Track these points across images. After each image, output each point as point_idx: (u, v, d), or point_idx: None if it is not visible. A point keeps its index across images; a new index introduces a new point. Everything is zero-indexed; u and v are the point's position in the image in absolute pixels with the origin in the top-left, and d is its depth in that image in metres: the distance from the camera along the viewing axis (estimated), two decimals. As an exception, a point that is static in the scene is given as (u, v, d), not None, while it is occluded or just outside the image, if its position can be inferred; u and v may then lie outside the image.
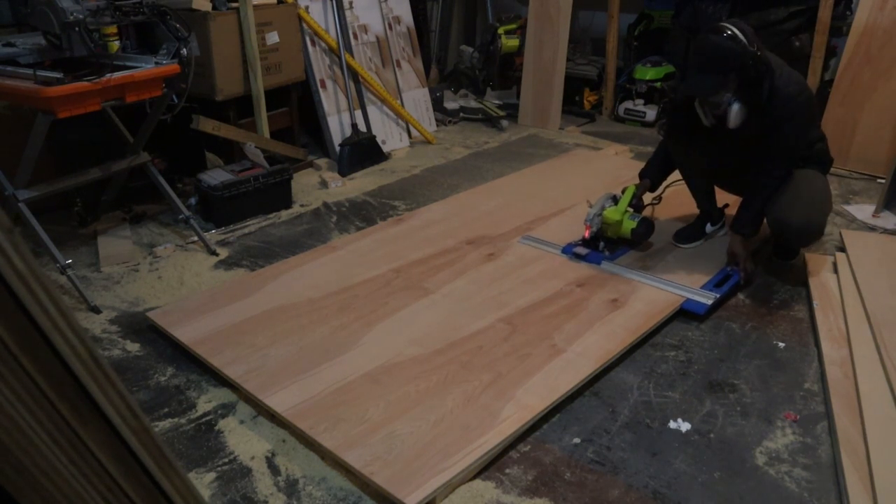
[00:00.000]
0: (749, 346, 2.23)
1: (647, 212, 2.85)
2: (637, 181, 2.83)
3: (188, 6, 3.21)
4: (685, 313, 2.37)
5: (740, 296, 2.53)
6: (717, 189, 2.84)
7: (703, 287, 2.46)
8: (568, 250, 2.73)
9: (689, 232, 2.83)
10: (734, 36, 2.21)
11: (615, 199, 2.74)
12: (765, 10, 3.89)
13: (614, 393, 2.01)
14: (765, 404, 1.95)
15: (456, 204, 3.34)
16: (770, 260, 2.73)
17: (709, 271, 2.58)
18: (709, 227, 2.84)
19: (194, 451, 1.81)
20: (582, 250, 2.69)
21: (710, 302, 2.35)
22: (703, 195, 2.84)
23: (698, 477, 1.69)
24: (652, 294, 2.43)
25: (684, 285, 2.46)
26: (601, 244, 2.72)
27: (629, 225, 2.65)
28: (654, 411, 1.93)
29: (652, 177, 2.80)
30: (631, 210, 2.70)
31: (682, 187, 2.90)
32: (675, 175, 2.86)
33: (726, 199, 2.91)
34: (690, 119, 2.47)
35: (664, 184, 2.87)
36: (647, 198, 2.86)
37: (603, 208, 2.69)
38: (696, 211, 2.88)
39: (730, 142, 2.44)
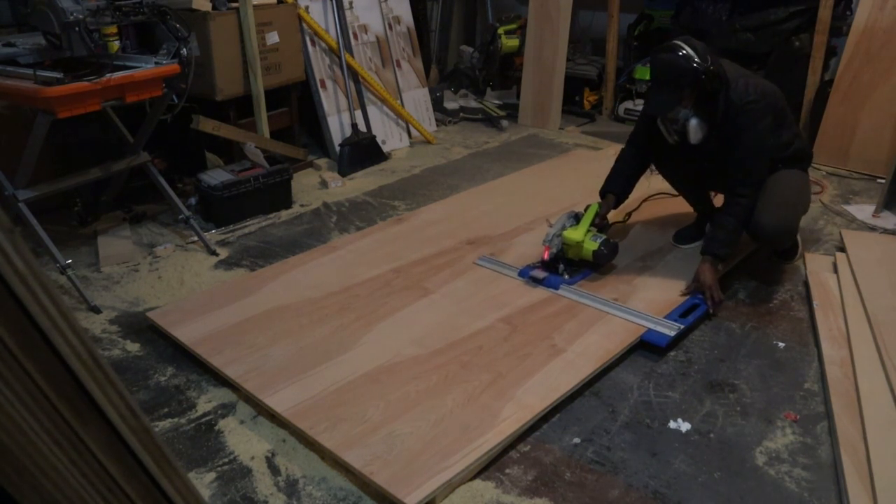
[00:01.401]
0: (749, 346, 2.23)
1: (622, 229, 2.77)
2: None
3: (188, 6, 3.21)
4: (645, 345, 2.20)
5: (740, 296, 2.53)
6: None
7: (668, 316, 2.28)
8: (525, 273, 2.54)
9: (689, 232, 2.81)
10: (685, 53, 2.21)
11: (577, 218, 2.56)
12: (765, 10, 3.89)
13: (614, 393, 2.01)
14: (765, 404, 1.95)
15: (456, 204, 3.34)
16: (770, 260, 2.73)
17: (676, 297, 2.41)
18: (709, 227, 2.79)
19: (194, 451, 1.81)
20: (539, 273, 2.51)
21: (672, 333, 2.17)
22: (696, 200, 2.82)
23: (698, 477, 1.69)
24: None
25: (646, 314, 2.29)
26: (561, 266, 2.53)
27: (591, 246, 2.46)
28: (654, 411, 1.93)
29: (617, 191, 2.66)
30: (594, 230, 2.54)
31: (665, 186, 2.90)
32: (643, 188, 2.83)
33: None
34: (659, 135, 2.46)
35: (642, 198, 2.82)
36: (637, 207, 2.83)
37: (563, 228, 2.52)
38: (685, 211, 2.85)
39: (702, 154, 2.43)
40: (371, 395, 1.91)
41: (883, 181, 3.30)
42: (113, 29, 2.56)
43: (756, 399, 1.97)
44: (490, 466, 1.73)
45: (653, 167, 2.74)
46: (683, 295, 2.40)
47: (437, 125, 4.73)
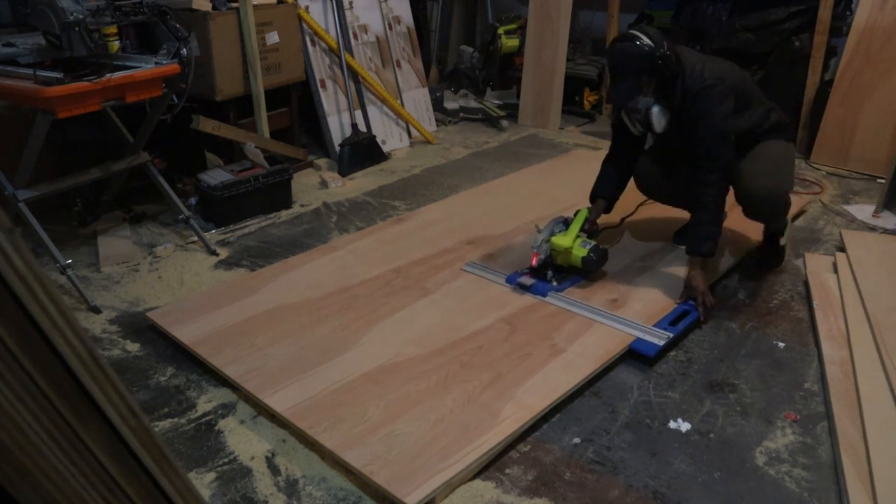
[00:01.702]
0: (749, 346, 2.23)
1: (613, 234, 2.72)
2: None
3: (188, 6, 3.21)
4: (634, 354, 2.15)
5: (740, 296, 2.53)
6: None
7: (658, 324, 2.23)
8: (513, 280, 2.49)
9: None
10: (639, 39, 2.20)
11: (566, 223, 2.50)
12: (765, 10, 3.89)
13: (614, 393, 2.01)
14: (765, 404, 1.95)
15: (456, 204, 3.34)
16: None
17: (667, 302, 2.37)
18: (688, 228, 2.68)
19: (194, 451, 1.81)
20: (527, 280, 2.46)
21: (661, 343, 2.12)
22: (686, 205, 2.70)
23: (698, 477, 1.69)
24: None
25: (636, 322, 2.23)
26: (549, 273, 2.47)
27: (579, 253, 2.41)
28: (654, 411, 1.93)
29: (606, 196, 2.60)
30: (583, 236, 2.48)
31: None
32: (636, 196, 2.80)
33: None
34: (630, 135, 2.45)
35: (636, 202, 2.76)
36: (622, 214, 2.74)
37: (552, 234, 2.47)
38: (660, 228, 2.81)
39: (670, 147, 2.42)
40: (371, 395, 1.91)
41: (883, 181, 3.30)
42: (113, 29, 2.56)
43: (756, 399, 1.97)
44: (490, 466, 1.73)
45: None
46: (678, 302, 2.36)
47: (437, 125, 4.73)
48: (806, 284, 2.54)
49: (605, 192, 2.60)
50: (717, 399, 1.98)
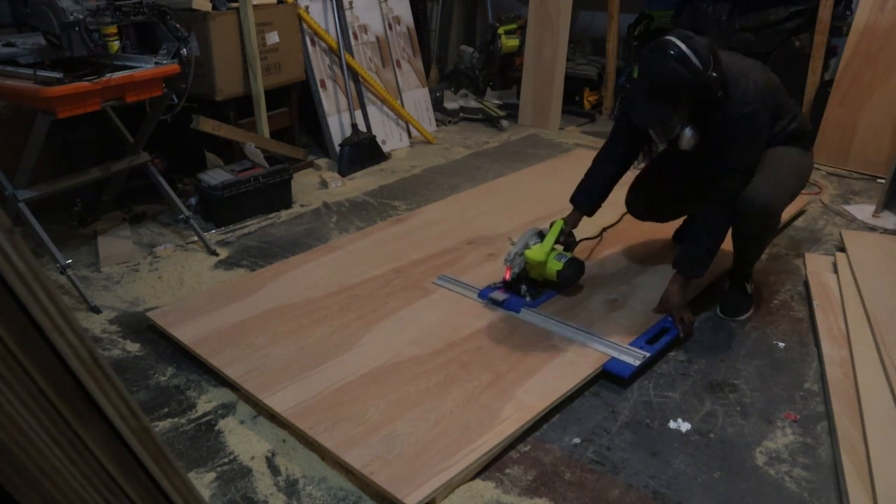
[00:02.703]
0: (749, 346, 2.23)
1: (588, 247, 2.63)
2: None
3: (188, 6, 3.21)
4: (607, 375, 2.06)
5: (740, 296, 2.52)
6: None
7: (635, 342, 2.13)
8: (485, 294, 2.39)
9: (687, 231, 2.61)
10: (683, 56, 1.90)
11: (542, 235, 2.39)
12: (765, 10, 3.89)
13: (614, 393, 2.01)
14: (765, 404, 1.95)
15: (456, 204, 3.34)
16: (769, 259, 2.70)
17: (646, 318, 2.26)
18: (685, 240, 2.46)
19: (194, 451, 1.81)
20: (499, 295, 2.35)
21: (636, 363, 2.02)
22: (686, 217, 2.64)
23: (698, 477, 1.69)
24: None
25: (611, 340, 2.13)
26: (523, 288, 2.37)
27: (554, 266, 2.30)
28: (654, 411, 1.93)
29: (586, 203, 2.40)
30: (559, 248, 2.37)
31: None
32: (612, 213, 2.69)
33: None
34: (640, 136, 2.27)
35: (605, 225, 2.65)
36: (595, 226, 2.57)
37: (526, 246, 2.36)
38: (644, 238, 2.69)
39: (687, 160, 2.22)
40: (371, 395, 1.91)
41: (883, 181, 3.30)
42: (113, 29, 2.56)
43: (756, 399, 1.97)
44: (490, 466, 1.73)
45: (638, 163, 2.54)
46: (655, 313, 2.26)
47: (437, 125, 4.73)
48: (806, 284, 2.54)
49: (586, 198, 2.40)
50: (717, 399, 1.98)
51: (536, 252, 2.32)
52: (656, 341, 2.15)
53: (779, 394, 2.00)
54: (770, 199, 2.09)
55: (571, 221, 2.41)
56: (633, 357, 2.05)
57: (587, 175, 2.41)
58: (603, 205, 2.43)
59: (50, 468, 0.59)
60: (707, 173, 2.17)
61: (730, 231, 2.20)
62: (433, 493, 1.58)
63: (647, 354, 2.06)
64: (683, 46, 1.90)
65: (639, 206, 2.56)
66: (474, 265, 2.66)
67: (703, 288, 2.46)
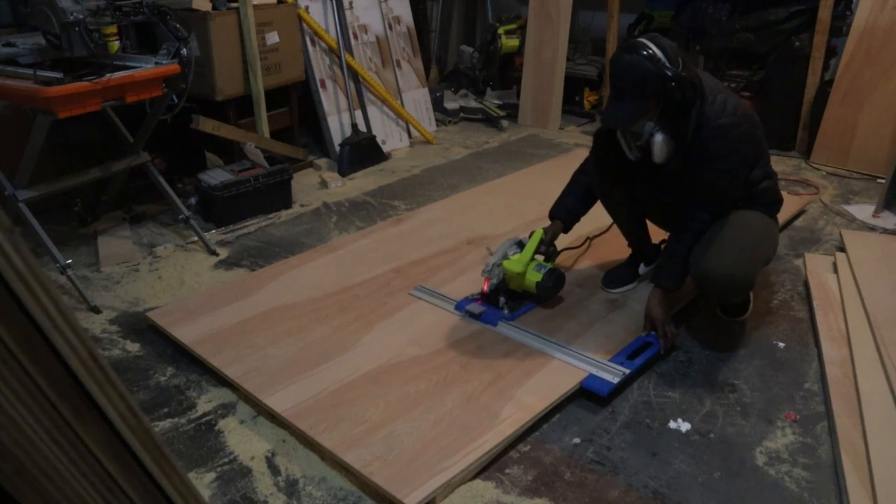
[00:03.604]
0: (749, 346, 2.23)
1: (570, 256, 2.52)
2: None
3: (188, 6, 3.21)
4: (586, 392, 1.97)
5: (740, 296, 2.52)
6: (651, 224, 2.47)
7: (615, 358, 2.05)
8: (462, 307, 2.30)
9: (620, 274, 2.48)
10: (652, 55, 1.84)
11: (521, 245, 2.31)
12: (765, 10, 3.89)
13: (614, 393, 2.01)
14: (765, 404, 1.95)
15: (456, 204, 3.34)
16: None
17: (627, 333, 2.18)
18: (642, 268, 2.49)
19: (194, 451, 1.81)
20: (476, 308, 2.26)
21: (615, 380, 1.93)
22: (632, 233, 2.49)
23: (698, 477, 1.69)
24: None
25: (590, 355, 2.06)
26: (501, 300, 2.28)
27: (533, 278, 2.21)
28: (654, 411, 1.93)
29: (565, 216, 2.32)
30: (539, 259, 2.28)
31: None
32: (598, 222, 2.59)
33: (662, 235, 2.44)
34: (617, 151, 2.13)
35: (590, 234, 2.58)
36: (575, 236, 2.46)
37: (505, 257, 2.27)
38: (628, 250, 2.55)
39: (660, 175, 2.10)
40: (371, 395, 1.91)
41: (883, 181, 3.30)
42: (113, 29, 2.56)
43: (756, 399, 1.97)
44: (490, 466, 1.73)
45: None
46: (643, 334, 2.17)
47: (437, 125, 4.73)
48: (806, 284, 2.54)
49: (565, 211, 2.33)
50: (717, 399, 1.98)
51: (515, 263, 2.23)
52: (638, 356, 2.06)
53: (779, 394, 2.00)
54: (734, 271, 1.97)
55: (552, 231, 2.31)
56: (613, 374, 1.96)
57: (565, 190, 2.36)
58: (589, 211, 2.36)
59: (50, 468, 0.59)
60: (684, 193, 2.09)
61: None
62: (433, 493, 1.58)
63: (627, 371, 1.97)
64: (651, 45, 1.86)
65: (612, 200, 2.40)
66: (475, 265, 2.66)
67: (688, 300, 2.37)
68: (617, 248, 2.63)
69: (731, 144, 1.94)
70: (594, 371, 1.99)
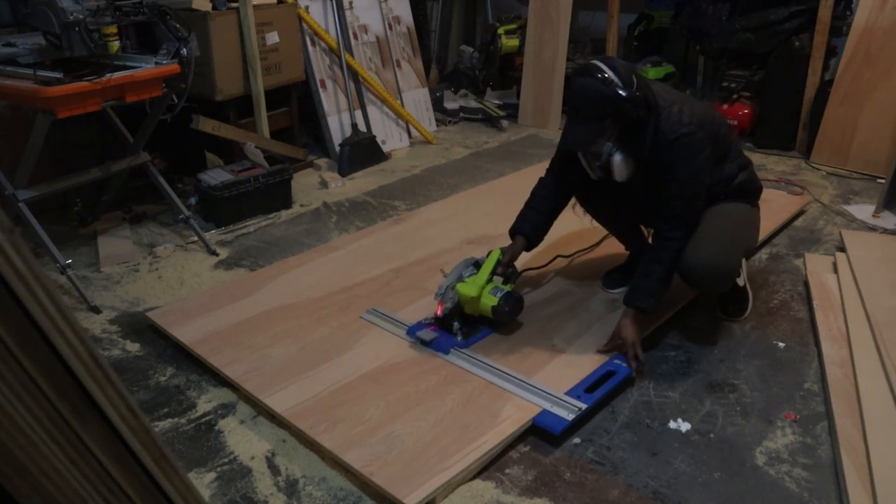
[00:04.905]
0: (749, 346, 2.23)
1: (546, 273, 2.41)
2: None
3: (188, 6, 3.21)
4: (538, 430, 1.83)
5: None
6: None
7: (572, 391, 1.90)
8: (413, 332, 2.16)
9: (619, 274, 2.46)
10: (605, 77, 1.87)
11: (478, 265, 2.18)
12: (765, 10, 3.89)
13: (614, 393, 2.01)
14: (765, 404, 1.95)
15: (456, 204, 3.34)
16: (769, 260, 2.71)
17: (588, 363, 2.03)
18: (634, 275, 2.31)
19: (194, 451, 1.81)
20: (428, 334, 2.11)
21: (570, 417, 1.79)
22: (626, 238, 2.47)
23: (698, 477, 1.69)
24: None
25: (545, 388, 1.90)
26: (455, 325, 2.13)
27: (489, 302, 2.06)
28: (654, 411, 1.93)
29: (528, 234, 2.23)
30: (497, 281, 2.15)
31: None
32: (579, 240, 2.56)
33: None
34: (582, 172, 2.12)
35: (575, 250, 2.54)
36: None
37: (459, 278, 2.14)
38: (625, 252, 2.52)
39: (629, 191, 2.11)
40: (371, 395, 1.91)
41: (883, 181, 3.30)
42: (113, 29, 2.56)
43: (756, 399, 1.97)
44: (490, 466, 1.73)
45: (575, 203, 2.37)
46: (601, 352, 2.08)
47: (437, 125, 4.73)
48: (806, 284, 2.54)
49: (526, 228, 2.23)
50: (717, 399, 1.98)
51: (469, 286, 2.09)
52: (597, 388, 1.92)
53: (779, 394, 2.00)
54: (719, 257, 1.98)
55: (510, 252, 2.21)
56: (568, 410, 1.82)
57: (526, 206, 2.28)
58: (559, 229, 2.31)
59: (50, 468, 0.59)
60: (648, 203, 2.08)
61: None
62: (433, 493, 1.58)
63: (584, 406, 1.83)
64: (603, 66, 1.90)
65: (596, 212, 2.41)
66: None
67: (662, 321, 2.27)
68: (617, 247, 2.63)
69: (688, 153, 1.95)
70: (548, 406, 1.84)
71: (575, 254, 2.68)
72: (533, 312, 2.32)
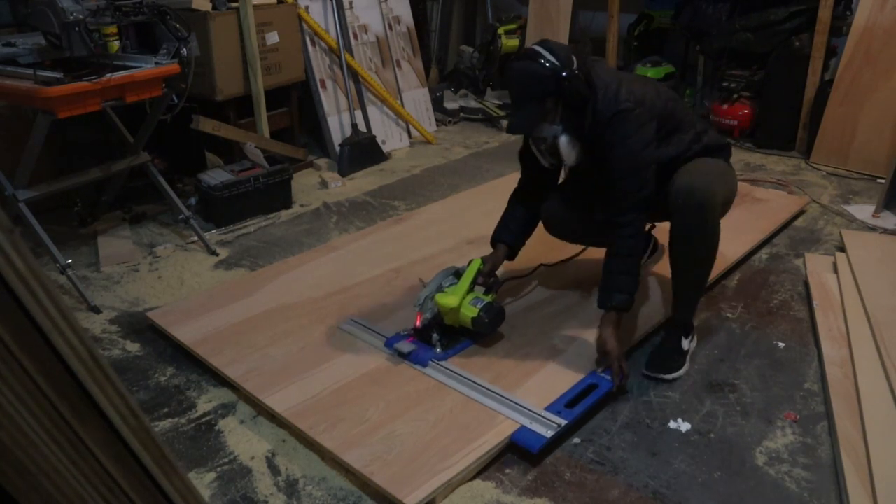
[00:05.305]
0: (749, 346, 2.23)
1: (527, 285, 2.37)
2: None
3: (188, 6, 3.22)
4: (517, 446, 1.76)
5: (740, 296, 2.52)
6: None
7: (552, 406, 1.83)
8: (391, 344, 2.09)
9: None
10: (541, 57, 1.86)
11: (458, 275, 2.13)
12: (765, 10, 3.89)
13: (614, 392, 2.00)
14: (765, 404, 1.95)
15: (456, 204, 3.34)
16: (768, 259, 2.70)
17: (570, 376, 1.96)
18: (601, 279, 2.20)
19: (194, 451, 1.81)
20: (406, 346, 2.05)
21: (548, 434, 1.73)
22: (604, 242, 2.26)
23: (698, 477, 1.69)
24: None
25: (525, 404, 1.84)
26: (434, 336, 2.07)
27: (469, 313, 2.01)
28: (654, 411, 1.93)
29: (509, 241, 2.23)
30: (478, 291, 2.11)
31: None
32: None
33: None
34: (540, 168, 2.11)
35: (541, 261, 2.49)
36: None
37: (439, 289, 2.09)
38: None
39: (585, 181, 2.08)
40: (371, 395, 1.91)
41: (883, 181, 3.30)
42: (113, 29, 2.56)
43: (756, 399, 1.97)
44: (490, 466, 1.73)
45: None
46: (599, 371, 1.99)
47: (437, 125, 4.73)
48: (806, 284, 2.54)
49: (507, 236, 2.22)
50: (717, 399, 1.98)
51: (449, 296, 2.03)
52: (578, 402, 1.85)
53: (779, 394, 2.00)
54: (705, 189, 1.92)
55: (492, 261, 2.19)
56: (547, 427, 1.76)
57: (504, 215, 2.28)
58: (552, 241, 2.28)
59: (50, 468, 0.59)
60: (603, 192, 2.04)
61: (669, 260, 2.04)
62: (433, 493, 1.58)
63: (564, 423, 1.77)
64: (540, 49, 1.89)
65: (553, 219, 2.34)
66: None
67: (640, 339, 2.21)
68: (601, 252, 2.59)
69: (626, 129, 1.91)
70: (526, 423, 1.78)
71: (559, 263, 2.65)
72: (533, 312, 2.32)
